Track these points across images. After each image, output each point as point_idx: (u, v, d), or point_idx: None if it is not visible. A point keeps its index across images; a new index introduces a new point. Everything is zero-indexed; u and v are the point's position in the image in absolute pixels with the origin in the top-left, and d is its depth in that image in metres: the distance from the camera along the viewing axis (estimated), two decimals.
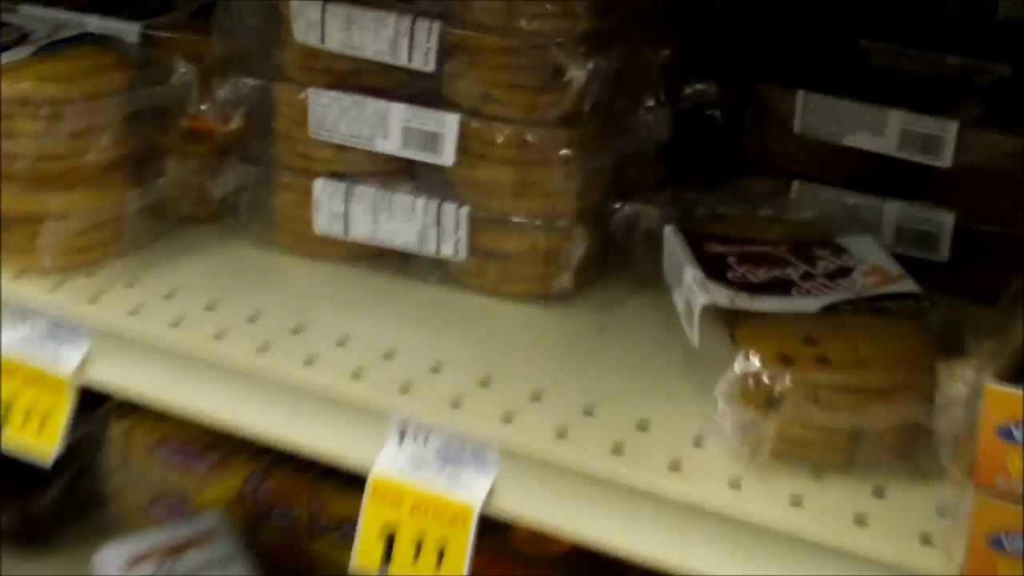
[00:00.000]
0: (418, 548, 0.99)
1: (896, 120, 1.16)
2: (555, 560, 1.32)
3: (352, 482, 1.04)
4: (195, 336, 1.09)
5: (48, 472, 1.48)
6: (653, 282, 1.12)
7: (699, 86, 1.25)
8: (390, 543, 1.00)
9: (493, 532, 0.99)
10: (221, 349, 1.08)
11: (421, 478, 0.99)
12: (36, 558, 1.56)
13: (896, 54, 1.30)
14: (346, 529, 1.38)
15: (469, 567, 0.97)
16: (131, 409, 1.51)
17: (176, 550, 1.39)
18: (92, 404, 1.43)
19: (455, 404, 1.00)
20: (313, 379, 1.04)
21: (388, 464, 1.00)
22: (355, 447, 1.02)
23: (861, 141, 1.18)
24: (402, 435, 1.00)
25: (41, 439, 1.14)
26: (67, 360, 1.13)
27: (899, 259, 1.09)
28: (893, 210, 1.18)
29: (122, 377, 1.12)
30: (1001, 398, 0.76)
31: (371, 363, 1.05)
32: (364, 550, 1.00)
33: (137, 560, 1.38)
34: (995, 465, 0.76)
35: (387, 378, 1.03)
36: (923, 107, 1.18)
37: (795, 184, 1.22)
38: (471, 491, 0.97)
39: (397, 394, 1.01)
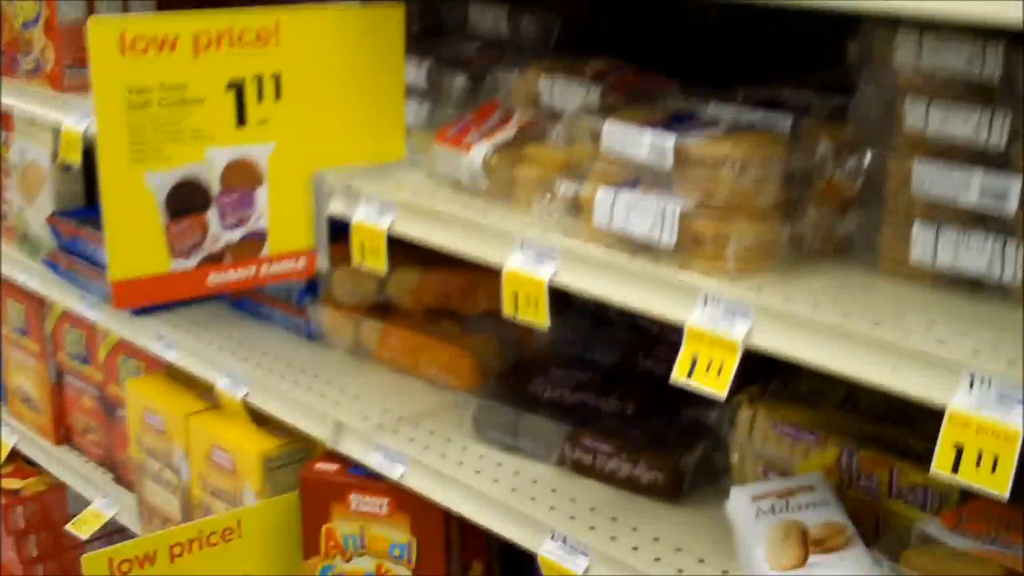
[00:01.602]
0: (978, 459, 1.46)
1: None
2: None
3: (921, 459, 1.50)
4: (828, 314, 1.64)
5: (693, 440, 2.08)
6: None
7: None
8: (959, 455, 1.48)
9: None
10: (845, 324, 1.62)
11: (984, 410, 1.47)
12: (678, 507, 2.09)
13: None
14: (917, 492, 1.85)
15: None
16: (756, 397, 2.08)
17: (787, 494, 1.90)
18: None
19: (1010, 362, 1.48)
20: (912, 344, 1.55)
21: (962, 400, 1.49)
22: (936, 390, 1.52)
23: None
24: (971, 382, 1.50)
25: (717, 381, 1.73)
26: (738, 329, 1.71)
27: None
28: None
29: (779, 343, 1.68)
30: None
31: (951, 339, 1.55)
32: (941, 459, 1.49)
33: (759, 498, 1.91)
34: None
35: (962, 347, 1.53)
36: None
37: None
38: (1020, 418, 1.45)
39: (970, 354, 1.51)
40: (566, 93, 2.20)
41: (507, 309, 2.01)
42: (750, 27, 2.51)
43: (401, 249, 2.27)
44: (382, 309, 2.57)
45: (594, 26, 2.61)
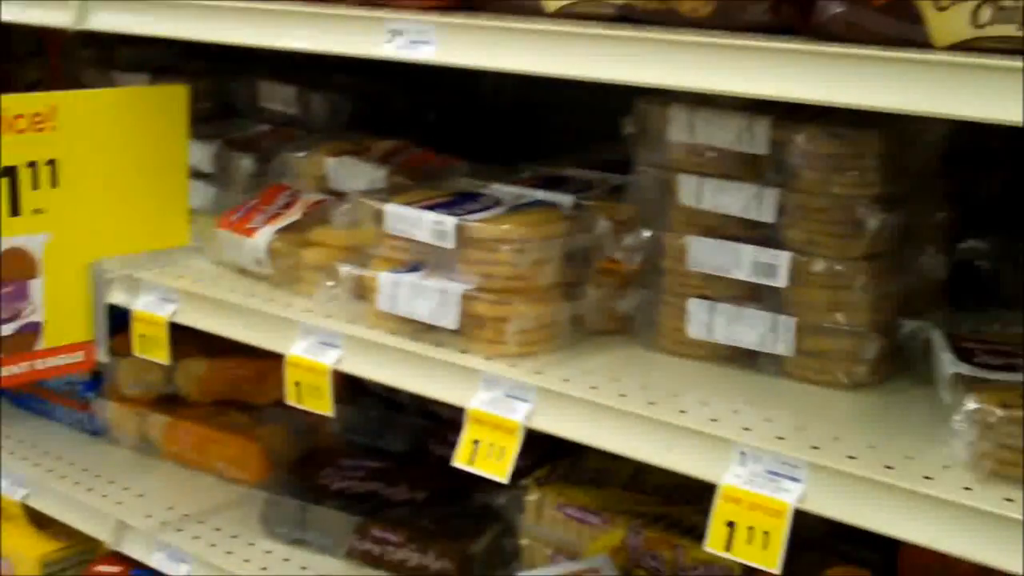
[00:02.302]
0: (750, 534, 1.46)
1: None
2: None
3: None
4: (606, 395, 1.63)
5: (482, 526, 2.04)
6: (928, 381, 1.57)
7: (972, 243, 1.72)
8: (731, 531, 1.48)
9: None
10: (622, 404, 1.60)
11: (754, 486, 1.47)
12: None
13: None
14: (700, 569, 1.85)
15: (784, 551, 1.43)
16: (544, 480, 2.05)
17: None
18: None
19: (779, 438, 1.49)
20: (685, 422, 1.55)
21: (733, 477, 1.49)
22: (708, 467, 1.52)
23: None
24: (742, 459, 1.49)
25: (497, 466, 1.70)
26: (519, 411, 1.69)
27: None
28: None
29: (559, 426, 1.66)
30: None
31: (724, 416, 1.56)
32: (714, 536, 1.48)
33: None
34: None
35: (734, 424, 1.53)
36: None
37: None
38: (789, 494, 1.45)
39: (741, 431, 1.51)
40: (353, 174, 2.17)
41: (290, 397, 1.95)
42: (542, 105, 2.52)
43: (189, 337, 2.20)
44: (169, 401, 2.48)
45: (386, 106, 2.58)
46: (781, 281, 1.65)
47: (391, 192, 2.00)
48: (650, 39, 1.47)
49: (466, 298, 1.76)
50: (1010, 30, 1.28)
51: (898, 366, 1.68)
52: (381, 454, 2.33)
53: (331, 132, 2.41)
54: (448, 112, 2.63)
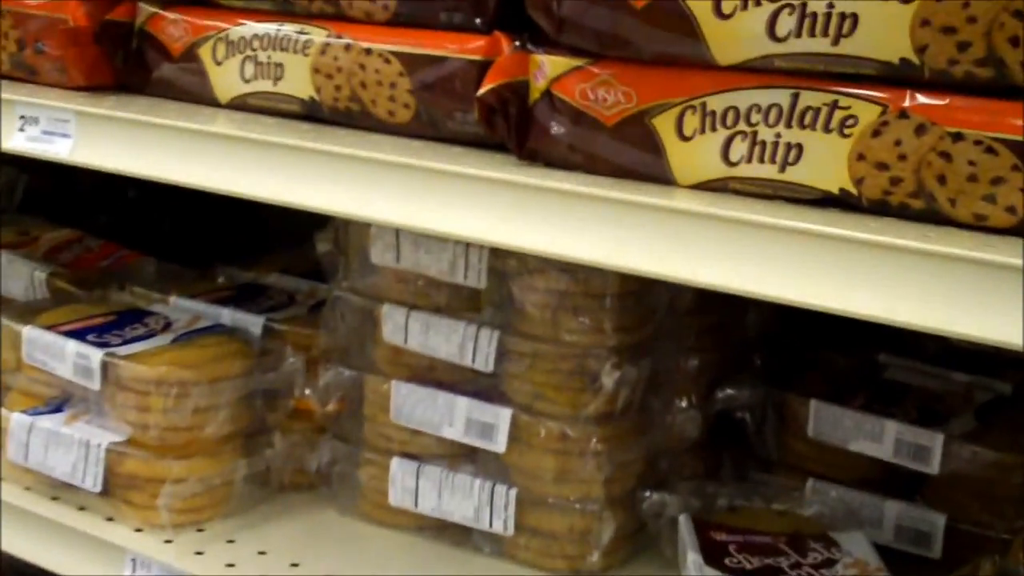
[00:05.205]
0: None
1: (892, 430, 1.33)
2: None
3: None
4: None
5: None
6: (676, 567, 1.29)
7: (730, 391, 1.44)
8: None
9: None
10: None
11: None
12: None
13: (909, 369, 1.48)
14: None
15: None
16: None
17: None
18: None
19: None
20: None
21: None
22: None
23: (863, 447, 1.35)
24: None
25: None
26: None
27: (896, 555, 1.25)
28: (893, 509, 1.34)
29: None
30: None
31: None
32: None
33: None
34: None
35: None
36: (922, 419, 1.35)
37: (809, 482, 1.39)
38: None
39: None
40: (9, 273, 1.79)
41: None
42: None
43: None
44: None
45: (75, 181, 2.19)
46: (500, 444, 1.34)
47: (47, 304, 1.63)
48: (332, 154, 1.14)
49: (113, 453, 1.40)
50: (763, 170, 0.99)
51: (641, 546, 1.38)
52: None
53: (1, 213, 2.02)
54: (152, 189, 2.25)
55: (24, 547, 1.46)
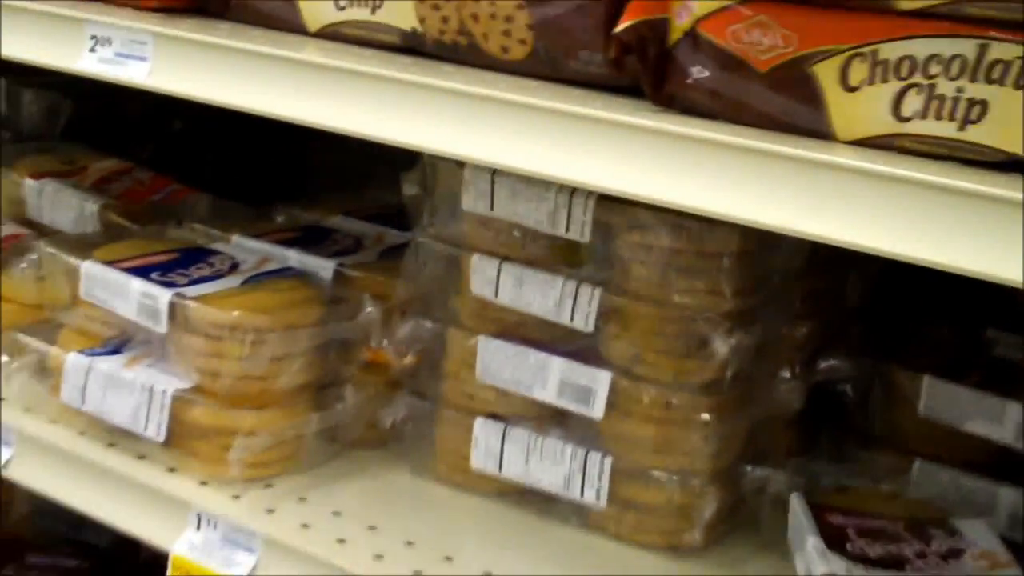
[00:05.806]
0: None
1: (1014, 412, 1.25)
2: None
3: None
4: (356, 558, 1.21)
5: None
6: (777, 545, 1.21)
7: (833, 362, 1.35)
8: None
9: None
10: (379, 569, 1.19)
11: None
12: None
13: (1020, 346, 1.39)
14: None
15: None
16: None
17: None
18: None
19: None
20: None
21: None
22: None
23: (980, 428, 1.27)
24: None
25: None
26: (240, 566, 1.25)
27: (1011, 546, 1.17)
28: (1008, 496, 1.26)
29: None
30: None
31: None
32: None
33: None
34: None
35: None
36: None
37: (917, 463, 1.31)
38: None
39: None
40: (57, 204, 1.70)
41: None
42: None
43: None
44: None
45: (119, 110, 2.09)
46: (598, 410, 1.26)
47: (100, 237, 1.54)
48: (440, 89, 1.05)
49: (180, 401, 1.32)
50: (940, 128, 0.90)
51: (738, 523, 1.30)
52: (81, 549, 1.86)
53: (42, 142, 1.92)
54: (198, 122, 2.15)
55: (77, 496, 1.38)
